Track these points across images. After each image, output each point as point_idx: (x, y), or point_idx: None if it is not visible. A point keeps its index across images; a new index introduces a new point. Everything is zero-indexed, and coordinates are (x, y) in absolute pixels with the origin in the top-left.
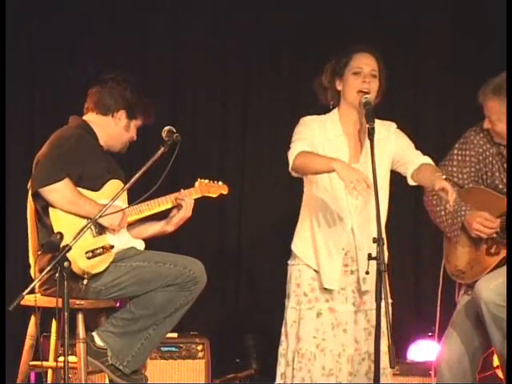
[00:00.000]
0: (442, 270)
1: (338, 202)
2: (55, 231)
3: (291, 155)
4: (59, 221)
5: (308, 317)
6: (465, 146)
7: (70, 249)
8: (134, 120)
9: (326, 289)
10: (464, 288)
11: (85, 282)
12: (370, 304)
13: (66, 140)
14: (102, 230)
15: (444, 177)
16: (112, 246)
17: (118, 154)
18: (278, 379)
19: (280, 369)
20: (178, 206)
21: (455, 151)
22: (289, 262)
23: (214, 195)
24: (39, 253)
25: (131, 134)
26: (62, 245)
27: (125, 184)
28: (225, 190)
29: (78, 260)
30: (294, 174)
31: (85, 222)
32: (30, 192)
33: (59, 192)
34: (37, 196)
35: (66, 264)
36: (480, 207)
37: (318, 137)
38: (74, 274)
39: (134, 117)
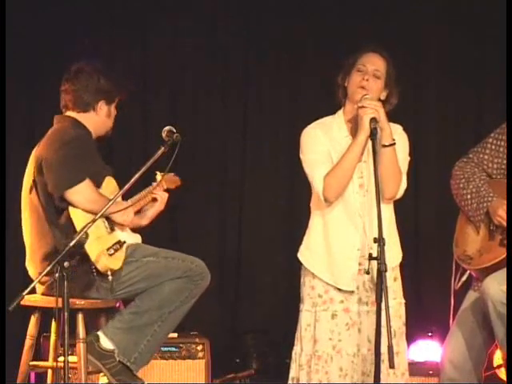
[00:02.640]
0: (454, 260)
1: (347, 202)
2: (78, 231)
3: (317, 187)
4: (80, 220)
5: (323, 319)
6: (501, 136)
7: (70, 248)
8: (113, 103)
9: (340, 289)
10: (468, 278)
11: (110, 278)
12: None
13: (74, 142)
14: (112, 226)
15: None
16: (124, 242)
17: (118, 155)
18: (289, 382)
19: (291, 372)
20: (153, 200)
21: (490, 140)
22: (302, 265)
23: (172, 187)
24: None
25: (113, 115)
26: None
27: (116, 180)
28: (178, 182)
29: (104, 259)
30: (332, 200)
31: (101, 220)
32: (34, 200)
33: (82, 193)
34: (56, 198)
35: (65, 264)
36: (506, 198)
37: (325, 143)
38: (99, 274)
39: (113, 100)
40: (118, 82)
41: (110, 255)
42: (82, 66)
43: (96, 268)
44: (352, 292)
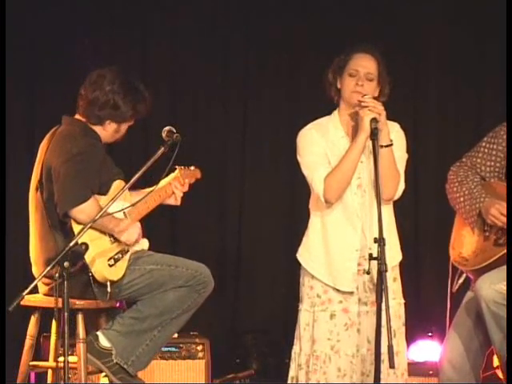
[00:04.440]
0: (451, 262)
1: (345, 203)
2: (79, 242)
3: (317, 188)
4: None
5: (322, 319)
6: (494, 139)
7: (69, 249)
8: (123, 123)
9: (339, 290)
10: (465, 280)
11: (109, 289)
12: (382, 304)
13: (83, 154)
14: None
15: None
16: (128, 251)
17: (119, 155)
18: (289, 381)
19: (291, 372)
20: (171, 195)
21: (483, 143)
22: (301, 266)
23: (192, 181)
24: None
25: (124, 130)
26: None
27: (126, 182)
28: (198, 175)
29: (103, 270)
30: (334, 201)
31: (104, 234)
32: (39, 199)
33: (86, 212)
34: (60, 214)
35: (65, 264)
36: (499, 199)
37: (322, 144)
38: (98, 283)
39: (124, 121)
40: (136, 105)
41: (110, 266)
42: (103, 79)
43: (94, 278)
44: (351, 292)
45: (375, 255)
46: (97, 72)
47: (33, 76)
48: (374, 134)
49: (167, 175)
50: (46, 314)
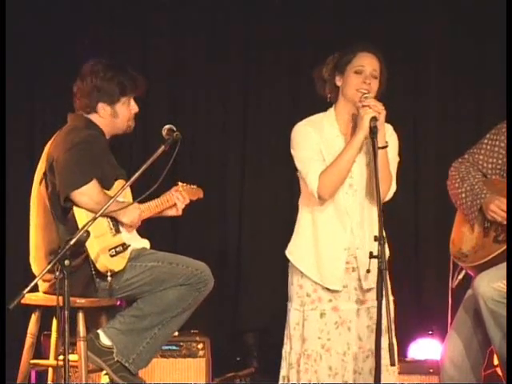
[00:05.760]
0: (451, 259)
1: (336, 201)
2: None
3: (312, 184)
4: (83, 220)
5: (312, 318)
6: (496, 136)
7: (70, 246)
8: (117, 103)
9: (328, 288)
10: (465, 276)
11: (109, 279)
12: (372, 301)
13: (85, 143)
14: (117, 228)
15: None
16: (129, 245)
17: (119, 153)
18: (280, 381)
19: (282, 371)
20: (174, 205)
21: (485, 140)
22: (289, 264)
23: (194, 198)
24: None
25: (123, 115)
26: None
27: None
28: (201, 194)
29: (104, 259)
30: (327, 198)
31: (105, 220)
32: (42, 192)
33: (88, 194)
34: (62, 199)
35: (66, 262)
36: (500, 196)
37: (316, 140)
38: (98, 273)
39: (116, 100)
40: (121, 81)
41: (111, 256)
42: (85, 67)
43: (95, 267)
44: (340, 291)
45: (375, 253)
46: (83, 66)
47: (33, 76)
48: (373, 133)
49: (165, 178)
50: (46, 313)
